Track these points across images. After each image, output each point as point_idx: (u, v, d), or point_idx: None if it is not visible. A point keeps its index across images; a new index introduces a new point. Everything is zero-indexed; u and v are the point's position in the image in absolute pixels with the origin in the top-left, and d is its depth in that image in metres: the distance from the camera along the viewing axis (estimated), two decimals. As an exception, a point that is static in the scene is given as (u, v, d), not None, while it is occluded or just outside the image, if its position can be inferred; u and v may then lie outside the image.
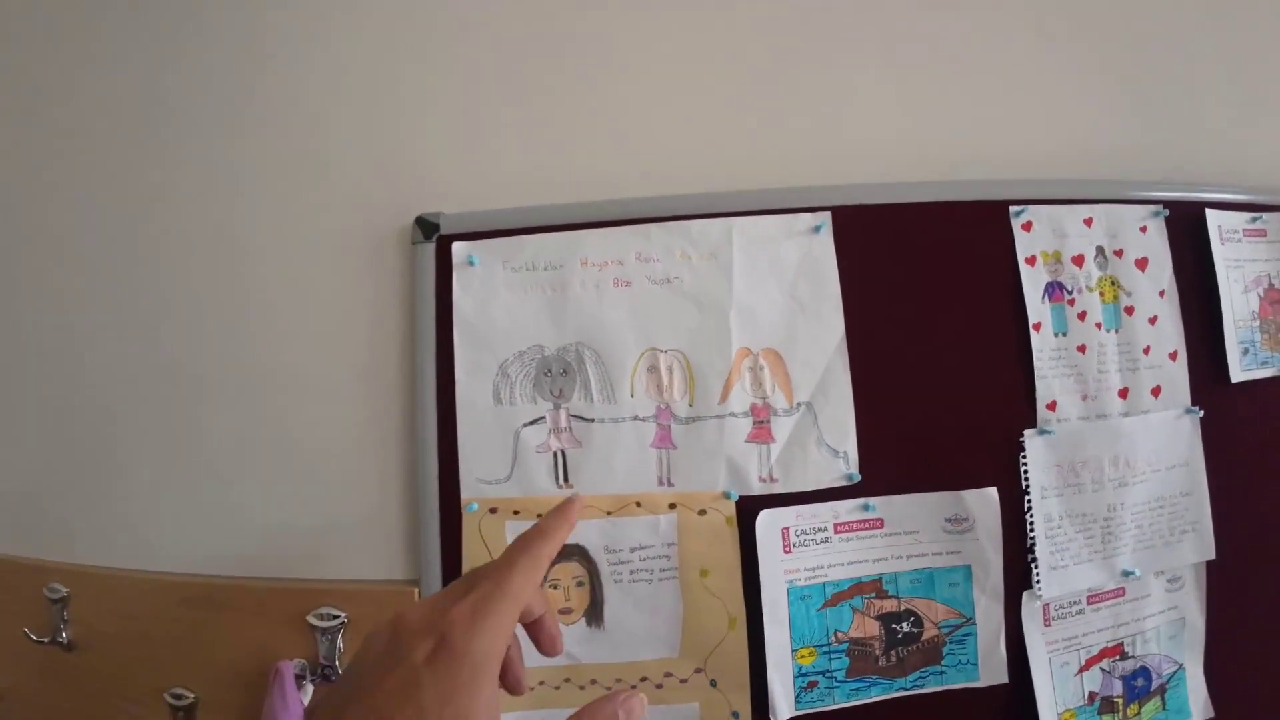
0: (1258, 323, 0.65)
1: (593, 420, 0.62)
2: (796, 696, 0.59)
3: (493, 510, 0.61)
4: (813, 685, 0.59)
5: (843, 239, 0.63)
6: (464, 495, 0.62)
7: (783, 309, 0.63)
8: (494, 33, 0.67)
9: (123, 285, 0.68)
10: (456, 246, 0.63)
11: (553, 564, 0.60)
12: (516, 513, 0.61)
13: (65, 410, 0.69)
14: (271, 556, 0.66)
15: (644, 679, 0.60)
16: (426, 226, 0.64)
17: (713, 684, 0.60)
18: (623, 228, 0.63)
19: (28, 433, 0.70)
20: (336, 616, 0.62)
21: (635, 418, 0.62)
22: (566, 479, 0.62)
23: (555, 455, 0.62)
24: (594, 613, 0.61)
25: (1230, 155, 0.68)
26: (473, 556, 0.60)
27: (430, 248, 0.64)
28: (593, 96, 0.67)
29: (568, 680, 0.61)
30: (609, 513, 0.61)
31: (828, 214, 0.63)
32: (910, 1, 0.68)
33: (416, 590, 0.62)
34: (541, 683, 0.60)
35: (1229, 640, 0.65)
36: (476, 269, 0.63)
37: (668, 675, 0.60)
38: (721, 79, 0.67)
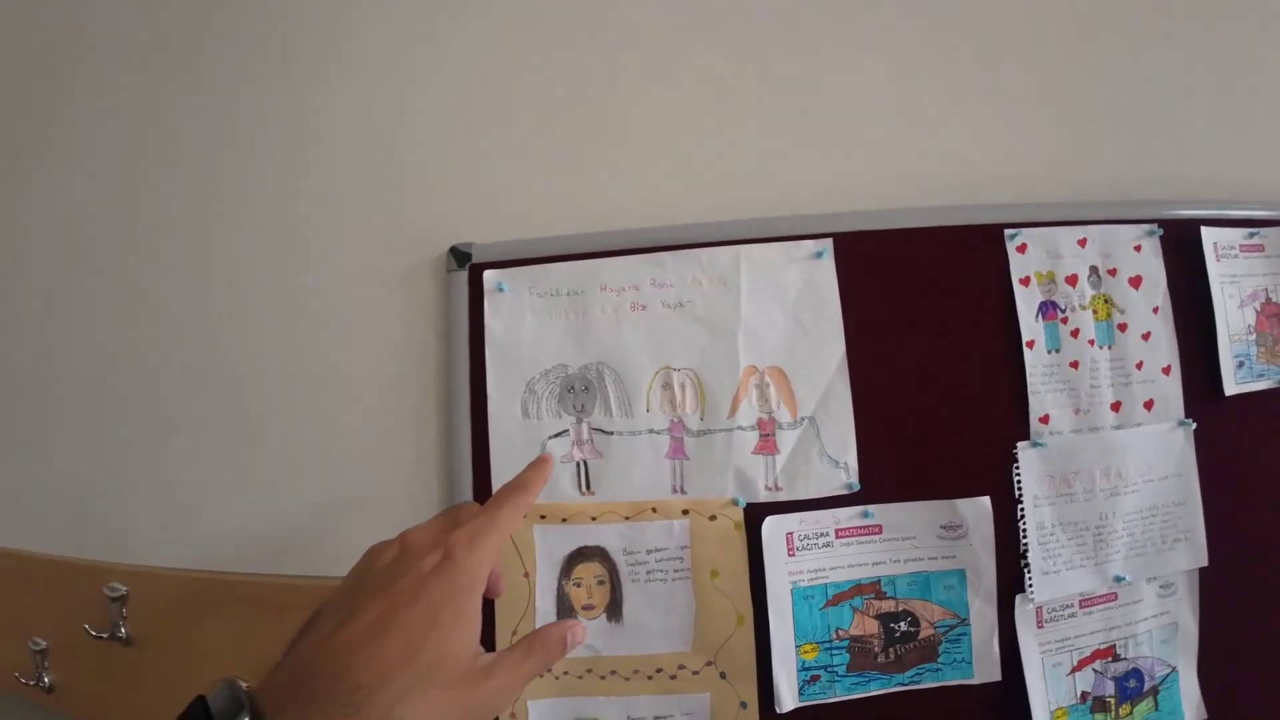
0: (1254, 336, 0.67)
1: (612, 433, 0.68)
2: (800, 689, 0.64)
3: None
4: (815, 679, 0.64)
5: (844, 263, 0.67)
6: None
7: (786, 330, 0.68)
8: (519, 79, 0.73)
9: (187, 296, 0.75)
10: (488, 275, 0.70)
11: (576, 565, 0.67)
12: (543, 517, 0.67)
13: (123, 414, 0.76)
14: (318, 558, 0.71)
15: (659, 670, 0.65)
16: (460, 256, 0.70)
17: (722, 676, 0.65)
18: (638, 256, 0.69)
19: (86, 435, 0.77)
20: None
21: (651, 431, 0.68)
22: (589, 487, 0.68)
23: (578, 465, 0.68)
24: (614, 609, 0.67)
25: (1224, 172, 0.70)
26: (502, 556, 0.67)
27: (463, 276, 0.70)
28: (610, 133, 0.73)
29: (589, 671, 0.66)
30: (627, 518, 0.67)
31: (829, 240, 0.68)
32: (904, 33, 0.72)
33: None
34: (566, 673, 0.66)
35: (1223, 644, 0.67)
36: (506, 295, 0.70)
37: (681, 668, 0.65)
38: (728, 116, 0.72)
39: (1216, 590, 0.67)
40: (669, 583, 0.66)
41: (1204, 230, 0.66)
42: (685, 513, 0.66)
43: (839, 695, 0.64)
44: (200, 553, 0.73)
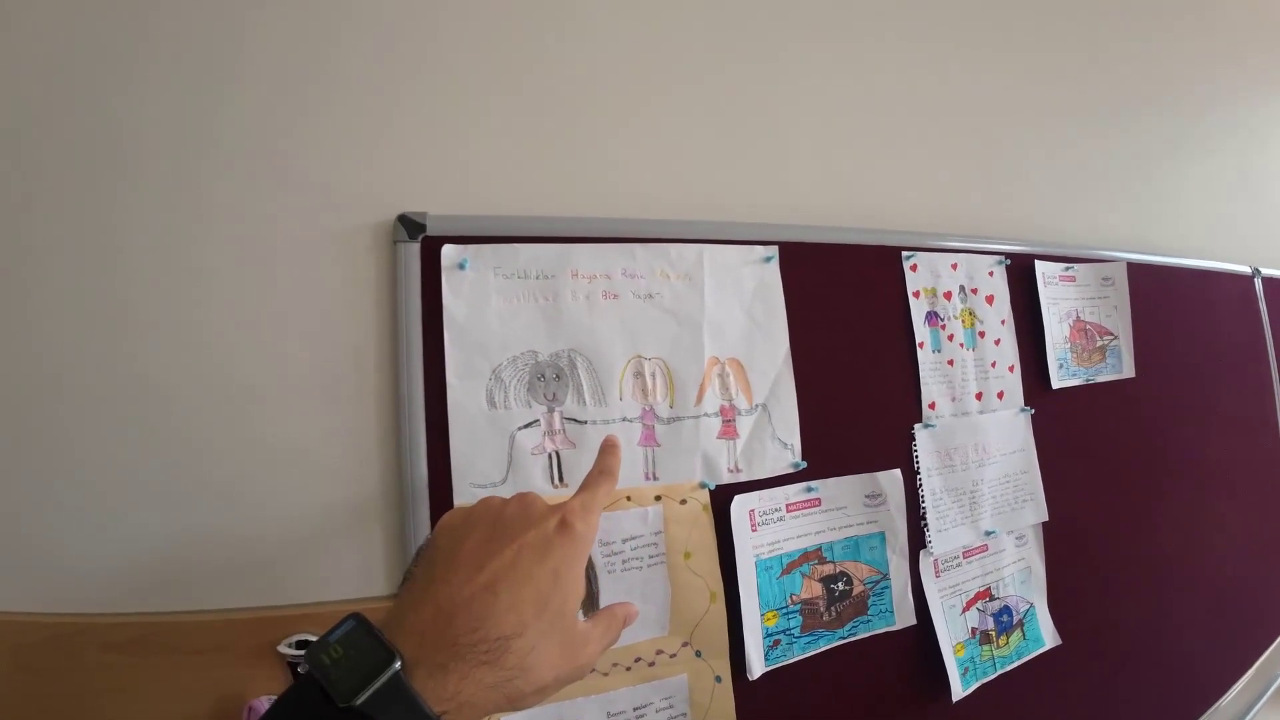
0: (1069, 345, 0.91)
1: (585, 422, 0.66)
2: (765, 654, 0.68)
3: (490, 512, 0.62)
4: (777, 644, 0.69)
5: (787, 269, 0.76)
6: (457, 501, 0.62)
7: (742, 325, 0.74)
8: (484, 39, 0.69)
9: (78, 284, 0.57)
10: (448, 249, 0.64)
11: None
12: (512, 514, 0.63)
13: None
14: (225, 586, 0.58)
15: (638, 659, 0.65)
16: (411, 226, 0.63)
17: (698, 654, 0.67)
18: (611, 245, 0.69)
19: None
20: (312, 641, 0.58)
21: (624, 419, 0.68)
22: (562, 479, 0.65)
23: (550, 456, 0.65)
24: (590, 605, 0.64)
25: (1052, 222, 0.97)
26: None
27: (414, 248, 0.63)
28: (580, 114, 0.73)
29: (566, 669, 0.63)
30: (604, 509, 0.66)
31: (776, 247, 0.76)
32: (835, 89, 0.86)
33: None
34: (540, 675, 0.62)
35: (1065, 582, 0.89)
36: (467, 273, 0.64)
37: (659, 652, 0.66)
38: (697, 122, 0.77)
39: (1055, 539, 0.88)
40: (645, 569, 0.66)
41: (1037, 264, 0.89)
42: (658, 498, 0.68)
43: (796, 655, 0.70)
44: (62, 593, 0.54)
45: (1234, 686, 1.20)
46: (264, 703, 0.55)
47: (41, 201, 0.56)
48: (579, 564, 0.40)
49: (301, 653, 0.58)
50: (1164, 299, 1.11)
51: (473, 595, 0.36)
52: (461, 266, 0.64)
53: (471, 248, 0.65)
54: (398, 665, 0.31)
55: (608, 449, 0.50)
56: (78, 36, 0.58)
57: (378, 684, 0.31)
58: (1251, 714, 1.31)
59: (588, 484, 0.46)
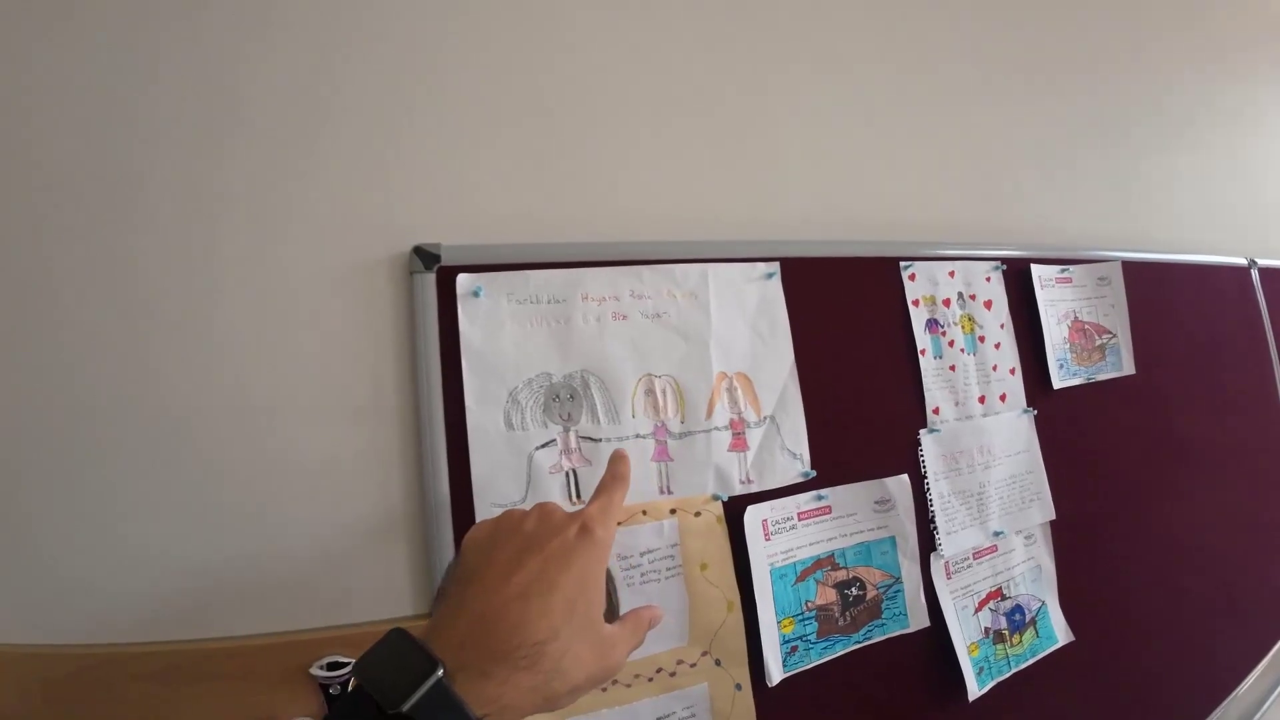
0: (1069, 345, 0.93)
1: (600, 440, 0.69)
2: (783, 661, 0.70)
3: (511, 531, 0.64)
4: (794, 650, 0.71)
5: (789, 284, 0.78)
6: (480, 520, 0.64)
7: (748, 340, 0.76)
8: (490, 77, 0.72)
9: (103, 317, 0.59)
10: (462, 278, 0.66)
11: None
12: (532, 532, 0.65)
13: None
14: (252, 613, 0.60)
15: (660, 670, 0.67)
16: (427, 257, 0.66)
17: (717, 663, 0.69)
18: (618, 268, 0.72)
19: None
20: (345, 664, 0.59)
21: (637, 435, 0.70)
22: (579, 495, 0.67)
23: (568, 474, 0.68)
24: (611, 617, 0.65)
25: (1046, 226, 1.00)
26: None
27: (430, 278, 0.66)
28: (584, 143, 0.75)
29: (590, 682, 0.65)
30: (620, 523, 0.68)
31: (777, 263, 0.78)
32: (829, 110, 0.88)
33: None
34: (566, 689, 0.64)
35: (1074, 579, 0.90)
36: (482, 300, 0.67)
37: (680, 663, 0.68)
38: (697, 147, 0.80)
39: (1063, 536, 0.90)
40: (663, 581, 0.68)
41: (1033, 267, 0.91)
42: (673, 512, 0.70)
43: (814, 661, 0.72)
44: (90, 623, 0.56)
45: (1251, 674, 1.21)
46: (297, 725, 0.57)
47: (62, 234, 0.59)
48: (601, 566, 0.43)
49: (334, 674, 0.60)
50: (1162, 295, 1.13)
51: (506, 605, 0.38)
52: (476, 294, 0.67)
53: (485, 276, 0.67)
54: (440, 672, 0.34)
55: (617, 458, 0.53)
56: (95, 77, 0.61)
57: (423, 689, 0.33)
58: (1270, 700, 1.31)
59: (601, 490, 0.49)
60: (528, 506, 0.68)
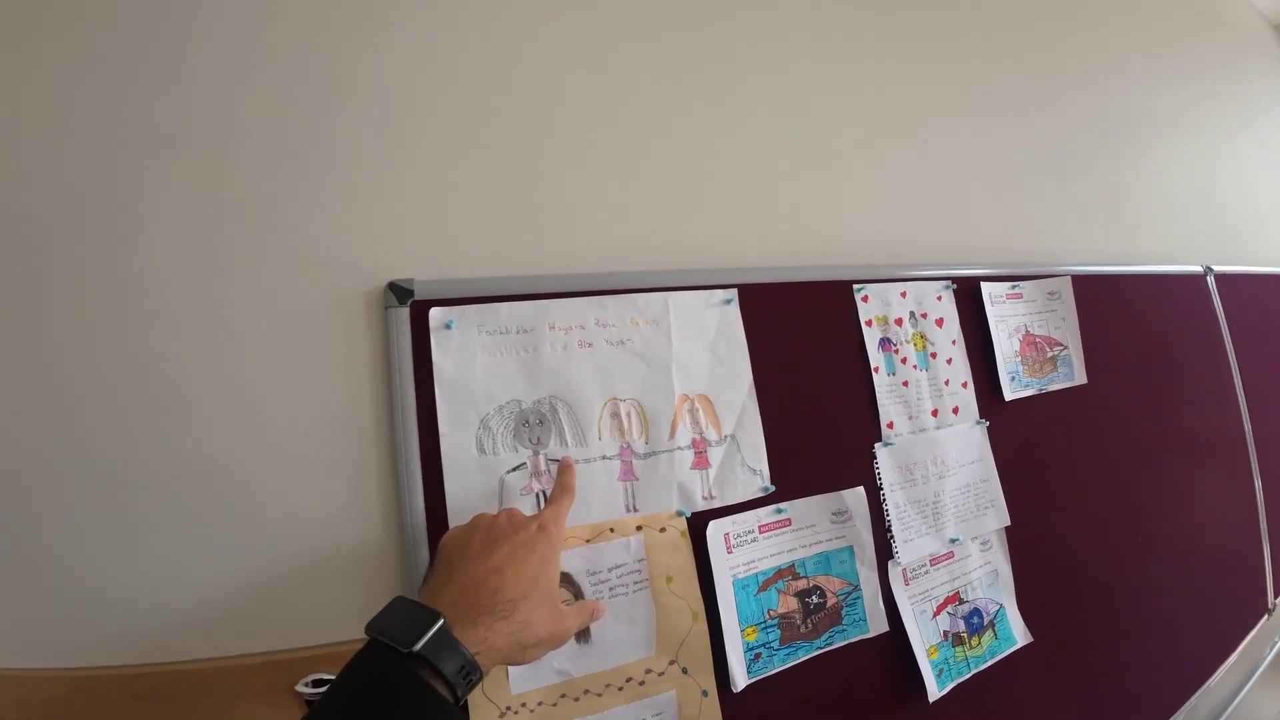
0: (1020, 358, 0.98)
1: (568, 462, 0.73)
2: (748, 667, 0.74)
3: (483, 552, 0.68)
4: (758, 657, 0.75)
5: (747, 308, 0.83)
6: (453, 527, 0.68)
7: (708, 363, 0.81)
8: (459, 120, 0.76)
9: (83, 342, 0.63)
10: (435, 312, 0.70)
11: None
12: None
13: None
14: (240, 633, 0.63)
15: (629, 680, 0.70)
16: (400, 292, 0.70)
17: (684, 671, 0.72)
18: (583, 298, 0.76)
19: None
20: (328, 681, 0.63)
21: (604, 457, 0.74)
22: (548, 514, 0.71)
23: (538, 495, 0.71)
24: (582, 630, 0.70)
25: (995, 244, 1.05)
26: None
27: (404, 312, 0.69)
28: (549, 180, 0.80)
29: (564, 696, 0.68)
30: (588, 540, 0.72)
31: (735, 290, 0.83)
32: (780, 139, 0.93)
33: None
34: (540, 703, 0.67)
35: (1033, 582, 0.94)
36: (454, 332, 0.71)
37: (648, 672, 0.71)
38: (656, 179, 0.85)
39: (1021, 541, 0.94)
40: (630, 594, 0.72)
41: (983, 285, 0.96)
42: (639, 528, 0.74)
43: (777, 667, 0.76)
44: (81, 644, 0.60)
45: (1221, 668, 1.24)
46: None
47: (62, 257, 0.63)
48: (556, 555, 0.58)
49: (319, 691, 0.63)
50: (1117, 306, 1.18)
51: (486, 575, 0.52)
52: (448, 326, 0.71)
53: (456, 309, 0.71)
54: (442, 620, 0.45)
55: (564, 469, 0.68)
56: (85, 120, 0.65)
57: (431, 632, 0.44)
58: (1241, 694, 1.34)
59: (552, 499, 0.65)
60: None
